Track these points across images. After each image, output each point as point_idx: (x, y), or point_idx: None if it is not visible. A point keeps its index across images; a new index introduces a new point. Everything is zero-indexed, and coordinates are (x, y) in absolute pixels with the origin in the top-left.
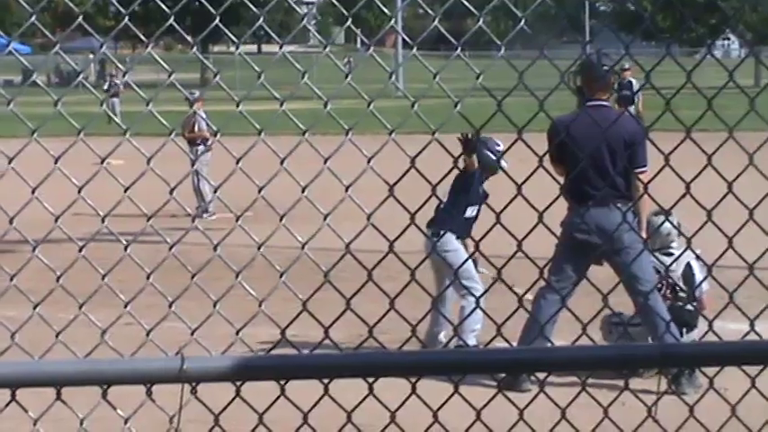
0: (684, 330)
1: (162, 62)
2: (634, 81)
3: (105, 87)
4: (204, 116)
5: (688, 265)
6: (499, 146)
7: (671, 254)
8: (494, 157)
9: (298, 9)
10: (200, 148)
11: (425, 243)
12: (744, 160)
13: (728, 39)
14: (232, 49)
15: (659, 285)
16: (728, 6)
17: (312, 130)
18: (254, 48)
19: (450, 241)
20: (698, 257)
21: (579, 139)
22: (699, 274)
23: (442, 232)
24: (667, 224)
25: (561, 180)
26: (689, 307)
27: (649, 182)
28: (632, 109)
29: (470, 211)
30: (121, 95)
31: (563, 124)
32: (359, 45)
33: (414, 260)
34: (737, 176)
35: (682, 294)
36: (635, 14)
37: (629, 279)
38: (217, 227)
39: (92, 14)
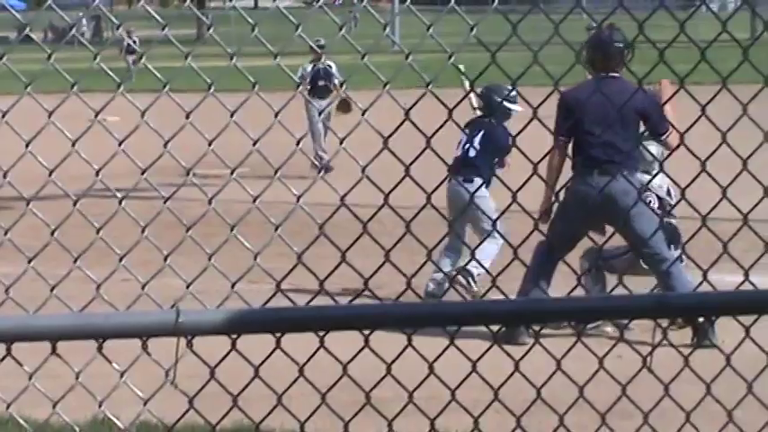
0: (672, 246)
1: (156, 16)
2: None
3: (125, 44)
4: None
5: (668, 191)
6: (512, 91)
7: (650, 173)
8: (508, 105)
9: None
10: (324, 102)
11: (452, 189)
12: (738, 112)
13: None
14: (229, 3)
15: (648, 199)
16: None
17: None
18: (250, 3)
19: (483, 188)
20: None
21: (589, 108)
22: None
23: (475, 179)
24: (654, 150)
25: (557, 152)
26: (674, 222)
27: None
28: None
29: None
30: (137, 55)
31: (572, 96)
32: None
33: (409, 214)
34: (731, 127)
35: (670, 210)
36: None
37: (639, 246)
38: (212, 183)
39: None
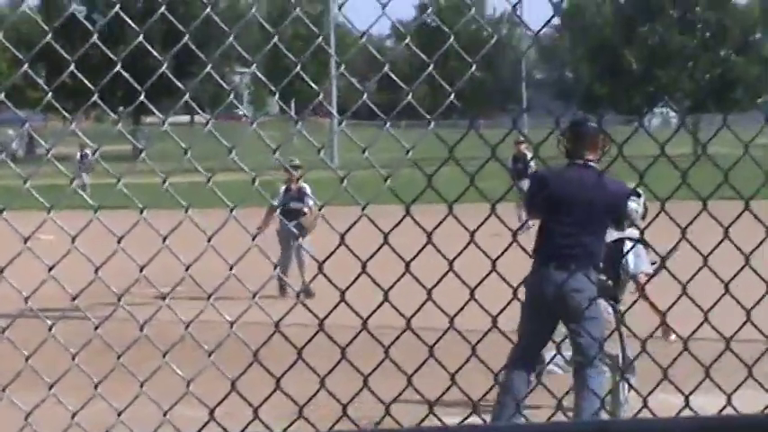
0: (610, 302)
1: (83, 137)
2: (529, 155)
3: (78, 158)
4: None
5: (619, 240)
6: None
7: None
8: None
9: (225, 85)
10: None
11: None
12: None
13: (667, 106)
14: (162, 128)
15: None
16: (665, 74)
17: (243, 204)
18: (187, 118)
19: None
20: (645, 244)
21: (559, 195)
22: (633, 254)
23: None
24: (631, 206)
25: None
26: (607, 281)
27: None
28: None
29: None
30: (90, 169)
31: (547, 175)
32: (294, 116)
33: (344, 336)
34: (672, 249)
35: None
36: (573, 82)
37: (578, 347)
38: (150, 302)
39: (21, 87)
